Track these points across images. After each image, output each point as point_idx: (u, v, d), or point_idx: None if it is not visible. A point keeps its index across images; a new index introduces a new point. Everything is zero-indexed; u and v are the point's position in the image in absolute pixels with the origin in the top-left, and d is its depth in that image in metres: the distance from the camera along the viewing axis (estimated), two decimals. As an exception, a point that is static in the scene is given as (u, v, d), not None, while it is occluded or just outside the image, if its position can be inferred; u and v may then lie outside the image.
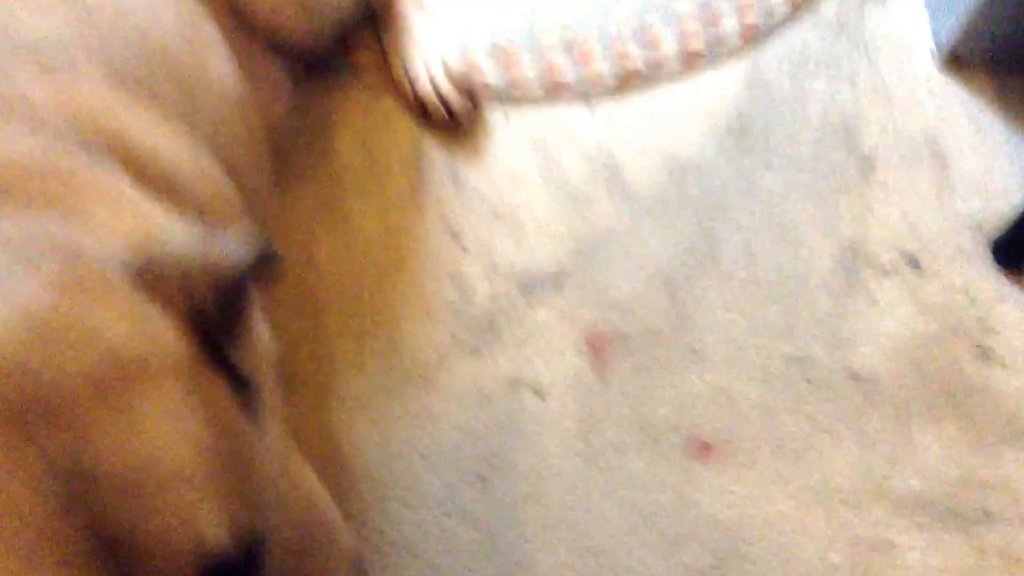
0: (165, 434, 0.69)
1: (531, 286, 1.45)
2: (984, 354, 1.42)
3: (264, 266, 0.80)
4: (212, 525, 0.69)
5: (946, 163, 1.54)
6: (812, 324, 1.42)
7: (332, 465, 1.33)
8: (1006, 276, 1.46)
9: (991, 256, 1.47)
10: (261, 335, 0.97)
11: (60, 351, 0.68)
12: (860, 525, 1.31)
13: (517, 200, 1.51)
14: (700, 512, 1.30)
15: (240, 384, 0.79)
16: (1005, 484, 1.34)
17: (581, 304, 1.44)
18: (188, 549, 0.67)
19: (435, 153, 1.54)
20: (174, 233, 0.88)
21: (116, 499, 0.66)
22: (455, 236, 1.48)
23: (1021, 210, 1.44)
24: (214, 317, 0.76)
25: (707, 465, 1.33)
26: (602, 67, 1.60)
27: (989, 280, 1.46)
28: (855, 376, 1.39)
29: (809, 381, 1.39)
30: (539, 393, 1.38)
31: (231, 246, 0.78)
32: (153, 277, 0.74)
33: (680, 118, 1.57)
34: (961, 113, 1.57)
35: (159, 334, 0.73)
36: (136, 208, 0.90)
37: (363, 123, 1.55)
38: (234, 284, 0.77)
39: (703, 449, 1.34)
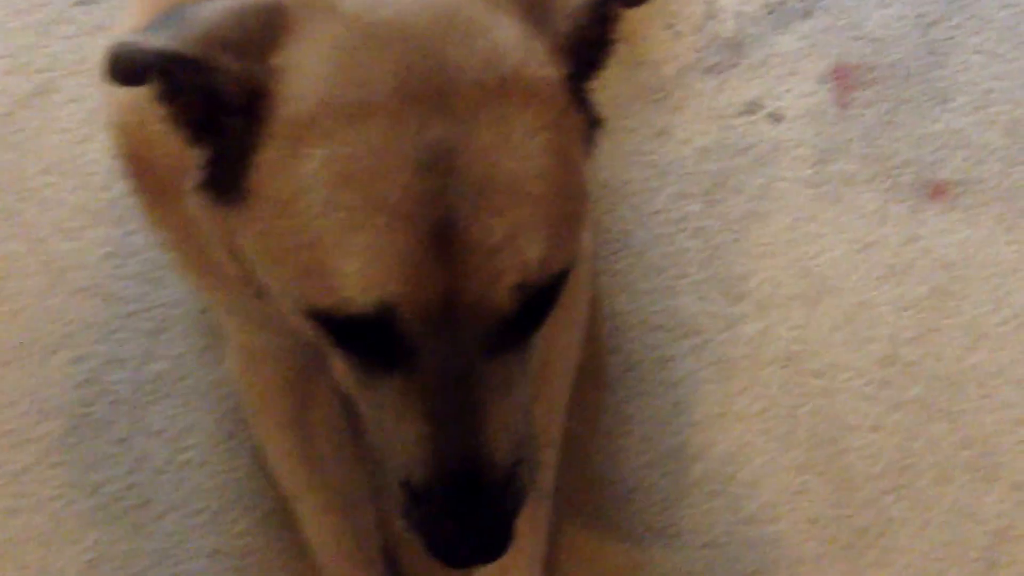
0: (527, 152, 0.71)
1: (780, 9, 1.45)
2: None
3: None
4: (536, 249, 0.72)
5: None
6: (1065, 76, 1.40)
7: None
8: None
9: None
10: None
11: (460, 42, 0.71)
12: (1079, 279, 1.33)
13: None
14: (922, 247, 1.35)
15: (592, 121, 0.80)
16: None
17: (829, 33, 1.43)
18: (510, 265, 0.71)
19: None
20: None
21: (468, 199, 0.70)
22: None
23: None
24: (586, 44, 0.76)
25: (935, 204, 1.36)
26: None
27: None
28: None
29: (1051, 133, 1.38)
30: (776, 118, 1.41)
31: None
32: None
33: None
34: None
35: (538, 52, 0.73)
36: None
37: None
38: (607, 10, 0.76)
39: (934, 189, 1.37)
